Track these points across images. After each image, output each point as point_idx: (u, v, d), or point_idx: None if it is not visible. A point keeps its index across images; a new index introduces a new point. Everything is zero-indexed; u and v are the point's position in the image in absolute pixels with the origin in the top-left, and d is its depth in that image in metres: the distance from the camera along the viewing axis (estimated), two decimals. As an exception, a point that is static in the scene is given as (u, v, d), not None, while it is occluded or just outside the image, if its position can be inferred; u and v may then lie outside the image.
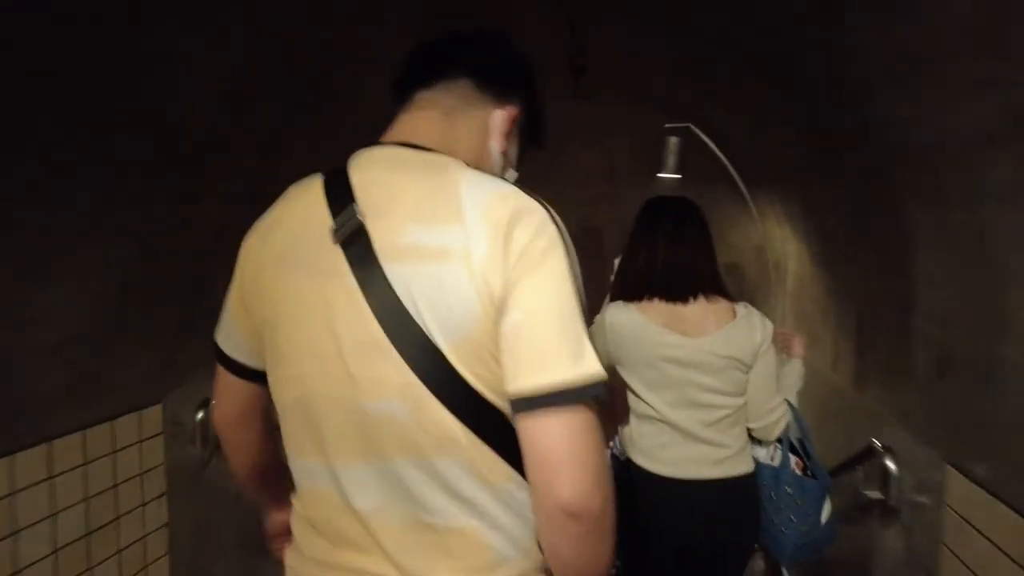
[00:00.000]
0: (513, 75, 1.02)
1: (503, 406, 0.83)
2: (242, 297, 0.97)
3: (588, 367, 0.79)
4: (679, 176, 3.84)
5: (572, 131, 3.91)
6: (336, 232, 0.86)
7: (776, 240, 3.90)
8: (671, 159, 3.78)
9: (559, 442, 0.77)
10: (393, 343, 0.82)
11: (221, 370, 1.03)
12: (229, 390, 1.04)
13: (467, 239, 0.80)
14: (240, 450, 1.10)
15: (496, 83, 0.99)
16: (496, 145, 0.99)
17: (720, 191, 4.89)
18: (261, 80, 2.18)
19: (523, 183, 0.92)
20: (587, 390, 0.79)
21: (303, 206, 0.92)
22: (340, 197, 0.88)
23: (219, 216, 2.31)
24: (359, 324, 0.84)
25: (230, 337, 1.01)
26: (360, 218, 0.85)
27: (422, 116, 0.97)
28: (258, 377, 1.01)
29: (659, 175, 3.85)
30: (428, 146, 0.92)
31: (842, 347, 2.80)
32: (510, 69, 1.02)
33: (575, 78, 3.28)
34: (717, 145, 3.77)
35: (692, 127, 3.76)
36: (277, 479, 1.10)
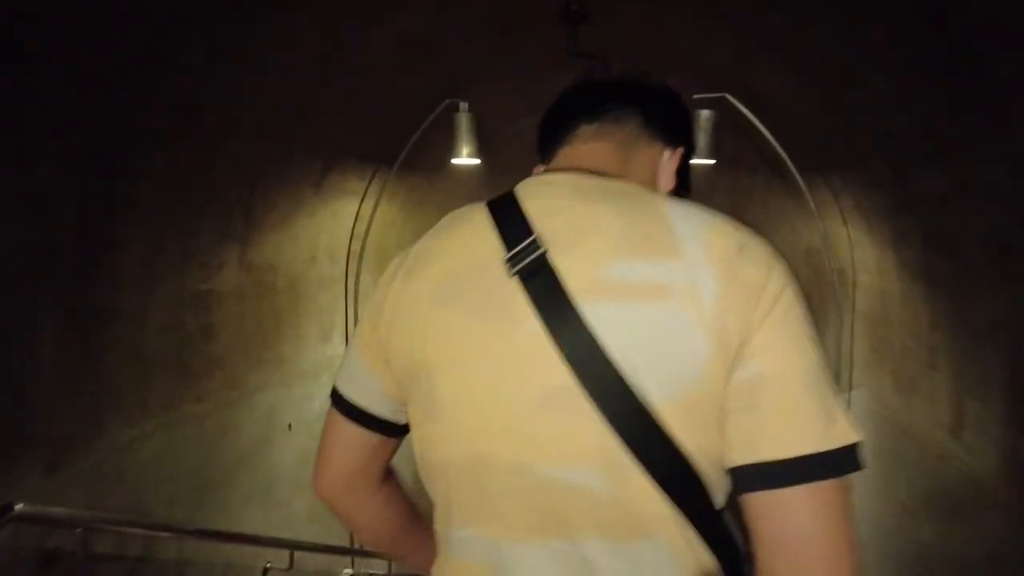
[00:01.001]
0: (679, 120, 1.02)
1: (716, 480, 0.75)
2: (379, 340, 0.90)
3: (843, 432, 0.71)
4: (712, 161, 3.09)
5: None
6: (512, 264, 0.79)
7: (841, 242, 3.18)
8: (703, 139, 3.15)
9: (813, 523, 0.69)
10: (591, 397, 0.74)
11: (337, 424, 0.96)
12: (346, 446, 0.97)
13: (690, 276, 0.74)
14: (364, 518, 1.03)
15: (663, 124, 0.98)
16: (664, 184, 0.98)
17: (760, 179, 4.36)
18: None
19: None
20: (843, 460, 0.70)
21: (464, 238, 0.87)
22: (514, 225, 0.82)
23: (21, 223, 1.77)
24: (546, 374, 0.76)
25: (358, 382, 0.94)
26: (543, 247, 0.79)
27: (595, 146, 0.94)
28: (385, 429, 0.95)
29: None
30: (609, 173, 0.89)
31: (970, 410, 2.03)
32: (676, 113, 1.02)
33: (572, 28, 2.89)
34: (761, 120, 3.25)
35: (728, 97, 3.23)
36: (425, 535, 1.05)
